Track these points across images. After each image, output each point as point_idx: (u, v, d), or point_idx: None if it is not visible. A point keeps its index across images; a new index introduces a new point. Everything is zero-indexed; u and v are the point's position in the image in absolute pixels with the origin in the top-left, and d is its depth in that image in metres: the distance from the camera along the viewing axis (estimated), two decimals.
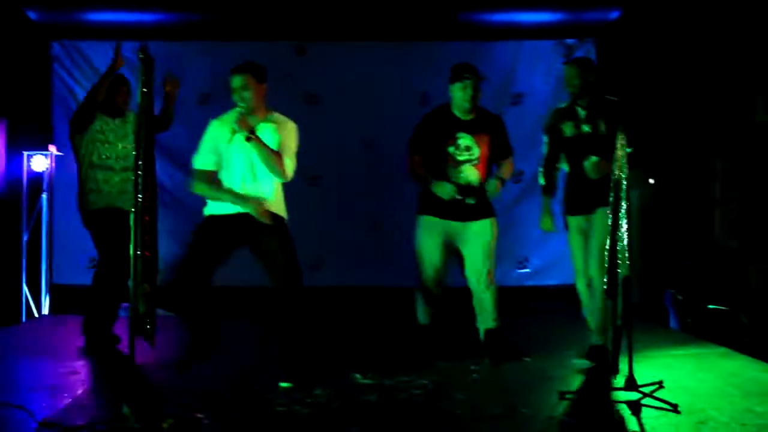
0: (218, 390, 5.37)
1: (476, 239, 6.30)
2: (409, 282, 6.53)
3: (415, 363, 6.11)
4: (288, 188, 8.78)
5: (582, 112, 6.16)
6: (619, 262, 5.14)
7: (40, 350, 6.92)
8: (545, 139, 6.36)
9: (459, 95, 6.24)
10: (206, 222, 5.70)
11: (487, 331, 6.32)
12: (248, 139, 5.47)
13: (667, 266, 8.44)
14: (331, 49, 9.18)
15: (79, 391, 5.40)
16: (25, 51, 8.81)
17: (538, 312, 8.80)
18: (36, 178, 8.64)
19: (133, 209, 4.54)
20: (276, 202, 5.72)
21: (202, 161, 5.68)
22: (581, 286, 6.29)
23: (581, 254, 6.23)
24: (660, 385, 5.11)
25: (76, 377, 5.82)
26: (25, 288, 8.50)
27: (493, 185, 6.24)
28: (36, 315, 8.59)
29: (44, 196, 8.67)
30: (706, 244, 8.23)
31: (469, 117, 6.28)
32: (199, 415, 4.70)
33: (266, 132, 5.61)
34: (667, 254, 8.54)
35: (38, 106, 8.93)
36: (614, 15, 8.64)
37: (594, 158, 6.00)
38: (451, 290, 6.50)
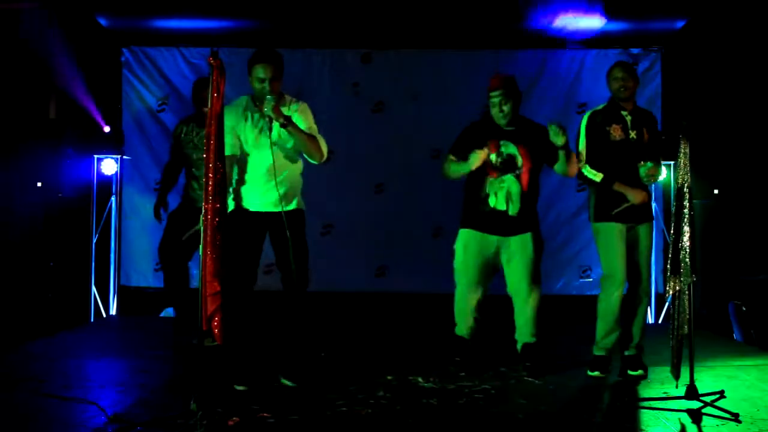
0: (281, 390, 5.47)
1: (518, 254, 6.10)
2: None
3: (478, 369, 6.14)
4: (353, 196, 8.96)
5: (628, 118, 6.08)
6: (682, 270, 5.13)
7: (109, 349, 7.08)
8: (586, 138, 6.11)
9: (494, 107, 6.09)
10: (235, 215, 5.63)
11: (525, 345, 6.17)
12: (284, 125, 5.40)
13: (731, 278, 8.37)
14: (397, 57, 9.23)
15: (148, 388, 5.52)
16: (96, 57, 9.00)
17: None
18: (105, 181, 8.81)
19: None
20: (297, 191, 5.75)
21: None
22: (617, 295, 6.02)
23: (624, 262, 6.03)
24: (721, 394, 5.11)
25: (144, 375, 5.94)
26: (93, 289, 8.68)
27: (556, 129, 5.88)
28: (104, 316, 8.76)
29: (113, 199, 8.84)
30: None
31: (511, 127, 6.11)
32: (265, 415, 4.79)
33: (294, 117, 5.54)
34: (731, 266, 8.47)
35: (108, 110, 9.09)
36: (680, 24, 8.59)
37: (650, 163, 5.89)
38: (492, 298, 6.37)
